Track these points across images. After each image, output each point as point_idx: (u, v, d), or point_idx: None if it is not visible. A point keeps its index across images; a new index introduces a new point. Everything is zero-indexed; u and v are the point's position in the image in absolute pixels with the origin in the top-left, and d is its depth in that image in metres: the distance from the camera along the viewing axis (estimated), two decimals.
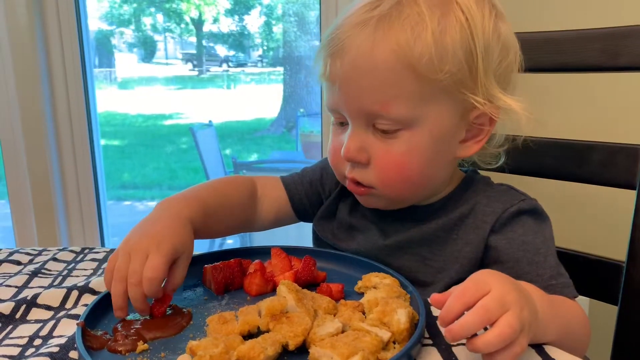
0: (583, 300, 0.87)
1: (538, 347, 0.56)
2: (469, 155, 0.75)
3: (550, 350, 0.56)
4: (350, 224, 0.84)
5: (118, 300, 0.61)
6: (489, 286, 0.52)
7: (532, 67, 0.76)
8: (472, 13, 0.68)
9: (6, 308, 0.66)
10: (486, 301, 0.51)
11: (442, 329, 0.52)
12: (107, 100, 7.10)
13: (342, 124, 0.74)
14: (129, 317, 0.62)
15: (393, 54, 0.66)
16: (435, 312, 0.63)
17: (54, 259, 0.84)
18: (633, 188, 0.82)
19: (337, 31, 0.70)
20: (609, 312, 0.87)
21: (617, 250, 0.86)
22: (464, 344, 0.56)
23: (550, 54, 0.88)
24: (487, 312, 0.50)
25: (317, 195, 0.90)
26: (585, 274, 0.87)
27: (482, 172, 0.84)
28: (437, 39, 0.65)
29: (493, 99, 0.69)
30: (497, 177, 0.84)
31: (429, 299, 0.54)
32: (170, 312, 0.64)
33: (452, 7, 0.67)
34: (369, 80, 0.68)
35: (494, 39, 0.69)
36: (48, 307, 0.68)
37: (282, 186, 0.90)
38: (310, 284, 0.69)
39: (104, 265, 0.82)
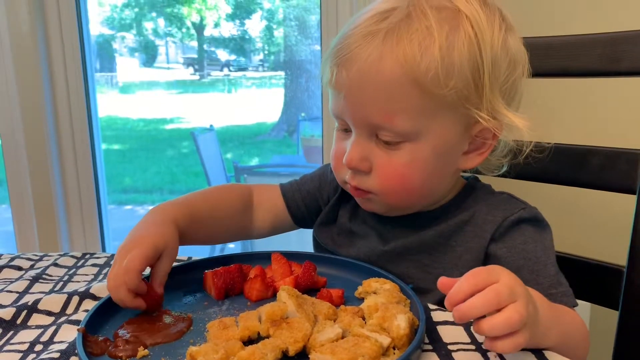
0: (584, 305, 0.87)
1: (537, 352, 0.56)
2: (471, 167, 0.75)
3: (550, 356, 0.56)
4: (351, 230, 0.84)
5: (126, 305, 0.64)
6: (499, 276, 0.53)
7: (532, 72, 0.76)
8: (482, 28, 0.67)
9: (7, 313, 0.66)
10: (497, 286, 0.52)
11: (452, 313, 0.52)
12: (109, 104, 7.10)
13: (346, 130, 0.75)
14: (129, 323, 0.62)
15: (399, 68, 0.66)
16: (436, 317, 0.63)
17: (55, 265, 0.84)
18: (633, 193, 0.82)
19: (345, 41, 0.69)
20: (610, 317, 0.87)
21: (617, 255, 0.86)
22: (464, 350, 0.56)
23: (550, 59, 0.88)
24: (497, 296, 0.51)
25: (315, 203, 0.90)
26: (586, 279, 0.87)
27: (484, 177, 0.84)
28: (445, 54, 0.65)
29: (497, 115, 0.69)
30: (498, 182, 0.84)
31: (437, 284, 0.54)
32: (170, 319, 0.64)
33: (461, 22, 0.67)
34: (374, 92, 0.68)
35: (503, 54, 0.69)
36: (49, 313, 0.68)
37: (280, 194, 0.91)
38: (310, 289, 0.69)
39: (105, 271, 0.82)
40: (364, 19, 0.69)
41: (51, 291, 0.75)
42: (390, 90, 0.67)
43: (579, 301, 0.71)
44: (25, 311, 0.67)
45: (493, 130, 0.70)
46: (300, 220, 0.92)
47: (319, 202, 0.90)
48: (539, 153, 0.77)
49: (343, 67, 0.69)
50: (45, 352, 0.58)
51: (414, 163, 0.70)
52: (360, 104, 0.69)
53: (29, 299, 0.71)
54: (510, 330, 0.51)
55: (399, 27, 0.66)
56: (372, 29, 0.67)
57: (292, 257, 0.75)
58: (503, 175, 0.83)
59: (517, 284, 0.53)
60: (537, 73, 0.81)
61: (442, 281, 0.54)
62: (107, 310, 0.64)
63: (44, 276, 0.79)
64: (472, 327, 0.52)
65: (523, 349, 0.56)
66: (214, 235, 0.84)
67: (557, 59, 0.88)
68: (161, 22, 7.27)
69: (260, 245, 0.94)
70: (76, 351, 0.56)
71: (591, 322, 1.08)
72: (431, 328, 0.61)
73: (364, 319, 0.60)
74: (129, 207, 4.87)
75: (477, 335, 0.59)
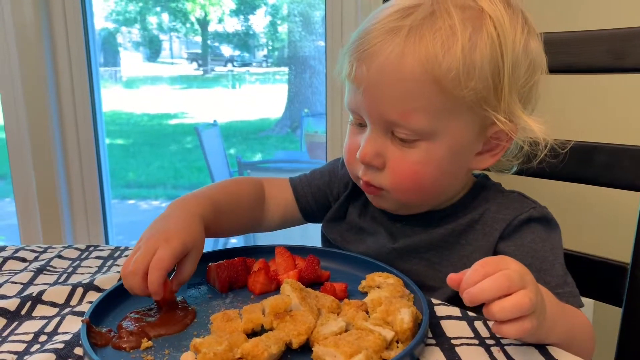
0: (587, 302, 0.86)
1: (542, 348, 0.56)
2: (483, 167, 0.75)
3: (554, 352, 0.56)
4: (360, 227, 0.84)
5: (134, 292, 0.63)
6: (508, 264, 0.54)
7: None
8: (505, 29, 0.67)
9: (12, 304, 0.66)
10: (508, 271, 0.52)
11: (463, 296, 0.53)
12: (113, 99, 7.11)
13: (361, 124, 0.74)
14: (133, 315, 0.63)
15: (421, 67, 0.65)
16: (439, 312, 0.63)
17: (59, 257, 0.84)
18: (638, 190, 0.81)
19: (367, 35, 0.69)
20: (613, 314, 0.86)
21: (621, 251, 0.86)
22: (467, 344, 0.56)
23: (556, 54, 0.88)
24: (508, 280, 0.51)
25: (325, 198, 0.90)
26: (590, 276, 0.87)
27: (492, 173, 0.83)
28: (467, 54, 0.65)
29: (514, 118, 0.69)
30: (504, 179, 0.83)
31: (446, 280, 0.55)
32: (175, 310, 0.64)
33: (484, 22, 0.66)
34: (393, 90, 0.67)
35: (523, 57, 0.68)
36: (53, 304, 0.68)
37: (290, 188, 0.90)
38: (313, 283, 0.69)
39: (109, 263, 0.82)
40: (387, 14, 0.68)
41: (55, 283, 0.75)
42: (409, 88, 0.66)
43: (582, 298, 0.71)
44: (29, 302, 0.67)
45: (509, 132, 0.69)
46: (309, 215, 0.91)
47: (329, 198, 0.90)
48: (553, 158, 0.76)
49: (363, 62, 0.69)
50: (50, 343, 0.58)
51: (428, 162, 0.70)
52: (378, 100, 0.69)
53: (33, 290, 0.71)
54: (520, 313, 0.51)
55: (422, 25, 0.65)
56: (395, 25, 0.67)
57: (295, 250, 0.75)
58: (516, 173, 0.83)
59: (526, 272, 0.54)
60: None
61: (451, 276, 0.54)
62: (111, 302, 0.64)
63: (48, 268, 0.80)
64: (483, 311, 0.52)
65: (528, 344, 0.56)
66: (232, 229, 0.83)
67: (562, 55, 0.88)
68: (165, 17, 7.27)
69: (264, 239, 0.94)
70: (80, 342, 0.56)
71: (594, 318, 1.08)
72: (434, 322, 0.61)
73: (367, 312, 0.60)
74: (132, 201, 4.87)
75: (480, 330, 0.59)
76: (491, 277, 0.52)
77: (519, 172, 0.87)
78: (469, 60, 0.65)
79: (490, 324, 0.60)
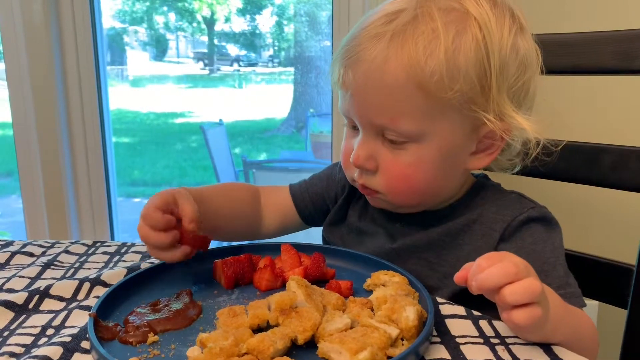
0: (592, 304, 0.86)
1: (546, 347, 0.56)
2: (480, 167, 0.75)
3: (559, 351, 0.56)
4: (360, 229, 0.85)
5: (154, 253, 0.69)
6: (512, 257, 0.54)
7: (544, 69, 0.75)
8: (490, 30, 0.66)
9: (19, 298, 0.67)
10: (515, 260, 0.53)
11: (471, 284, 0.54)
12: (119, 97, 7.14)
13: (355, 127, 0.75)
14: (139, 310, 0.63)
15: (403, 72, 0.66)
16: (444, 310, 0.63)
17: (67, 252, 0.85)
18: None
19: (353, 42, 0.70)
20: (618, 316, 0.86)
21: (627, 253, 0.86)
22: (472, 343, 0.57)
23: (563, 56, 0.88)
24: (515, 267, 0.52)
25: (323, 203, 0.91)
26: (595, 277, 0.87)
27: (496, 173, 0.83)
28: (450, 57, 0.65)
29: (505, 117, 0.69)
30: (508, 179, 0.83)
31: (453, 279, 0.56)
32: (181, 305, 0.64)
33: (469, 23, 0.66)
34: (379, 95, 0.68)
35: (512, 56, 0.68)
36: (60, 298, 0.69)
37: (289, 194, 0.92)
38: (319, 280, 0.69)
39: (115, 259, 0.83)
40: (373, 20, 0.69)
41: (62, 277, 0.75)
42: (394, 93, 0.67)
43: (586, 299, 0.71)
44: (37, 296, 0.68)
45: (500, 132, 0.69)
46: (309, 219, 0.93)
47: (327, 202, 0.91)
48: (547, 156, 0.76)
49: (350, 69, 0.70)
50: (57, 336, 0.59)
51: (418, 164, 0.70)
52: (365, 106, 0.70)
53: (40, 284, 0.72)
54: (530, 297, 0.52)
55: (404, 30, 0.66)
56: (379, 31, 0.67)
57: (301, 248, 0.75)
58: (522, 174, 0.83)
59: (530, 267, 0.55)
60: (549, 70, 0.80)
61: (458, 275, 0.55)
62: (117, 297, 0.65)
63: (55, 263, 0.80)
64: (495, 298, 0.53)
65: (532, 343, 0.57)
66: (227, 229, 0.84)
67: (569, 56, 0.88)
68: (172, 16, 7.29)
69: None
70: (87, 336, 0.56)
71: (599, 320, 1.08)
72: (439, 321, 0.61)
73: (372, 310, 0.60)
74: (137, 199, 4.89)
75: (485, 329, 0.59)
76: (498, 264, 0.52)
77: (525, 173, 0.87)
78: (453, 63, 0.65)
79: (496, 324, 0.60)
